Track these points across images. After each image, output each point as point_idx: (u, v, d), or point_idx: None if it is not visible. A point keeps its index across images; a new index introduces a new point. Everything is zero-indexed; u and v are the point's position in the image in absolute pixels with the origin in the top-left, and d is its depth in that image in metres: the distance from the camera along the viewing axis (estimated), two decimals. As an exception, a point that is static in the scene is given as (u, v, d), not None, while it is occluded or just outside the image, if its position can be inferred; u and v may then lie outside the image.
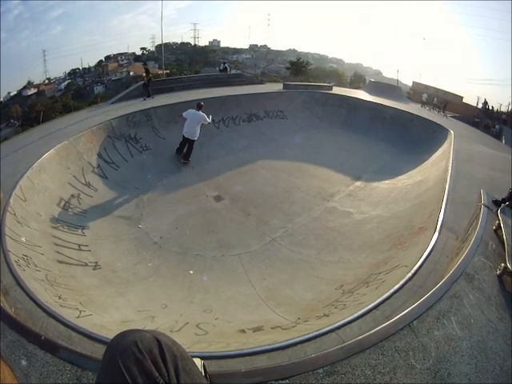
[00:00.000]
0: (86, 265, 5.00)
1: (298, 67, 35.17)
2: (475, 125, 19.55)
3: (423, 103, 20.10)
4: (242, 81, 17.99)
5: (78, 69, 61.30)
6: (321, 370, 2.08)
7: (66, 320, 3.06)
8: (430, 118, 12.90)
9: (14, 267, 3.73)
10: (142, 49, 71.73)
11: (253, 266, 5.49)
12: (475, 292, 2.93)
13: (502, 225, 3.83)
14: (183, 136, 8.96)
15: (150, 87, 12.46)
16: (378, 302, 3.23)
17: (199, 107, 9.02)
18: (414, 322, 2.50)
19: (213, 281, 5.09)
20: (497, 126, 20.78)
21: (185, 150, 9.14)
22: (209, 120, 9.07)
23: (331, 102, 14.92)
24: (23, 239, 4.54)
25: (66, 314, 3.21)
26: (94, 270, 4.96)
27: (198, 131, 8.96)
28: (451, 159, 7.54)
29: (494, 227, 4.00)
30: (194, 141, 9.00)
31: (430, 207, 5.68)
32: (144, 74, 12.89)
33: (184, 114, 8.97)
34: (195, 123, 8.87)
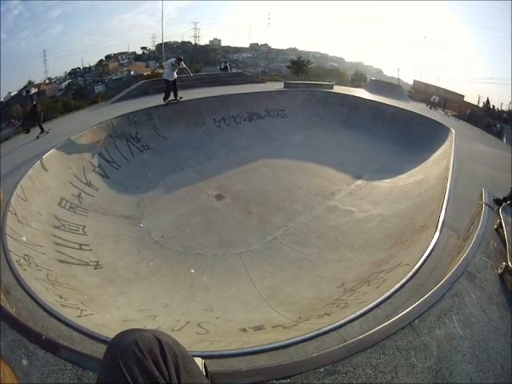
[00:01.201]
0: (88, 264, 5.00)
1: (298, 66, 35.13)
2: (471, 119, 19.49)
3: (432, 104, 20.04)
4: (243, 80, 17.96)
5: (79, 68, 61.21)
6: (322, 369, 2.08)
7: (67, 319, 3.07)
8: (432, 117, 12.86)
9: (15, 267, 3.74)
10: (142, 48, 71.51)
11: (254, 264, 5.48)
12: (476, 291, 2.92)
13: (503, 223, 3.83)
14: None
15: (39, 122, 9.67)
16: (379, 300, 3.22)
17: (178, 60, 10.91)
18: (416, 321, 2.49)
19: (214, 280, 5.09)
20: (498, 125, 20.67)
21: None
22: (164, 64, 11.39)
23: (332, 100, 14.87)
24: (24, 239, 4.55)
25: (67, 314, 3.21)
26: (95, 269, 4.96)
27: (169, 74, 10.57)
28: (452, 158, 7.51)
29: (496, 226, 3.99)
30: (165, 80, 10.68)
31: (432, 206, 5.67)
32: (29, 108, 10.69)
33: None
34: (166, 68, 10.92)
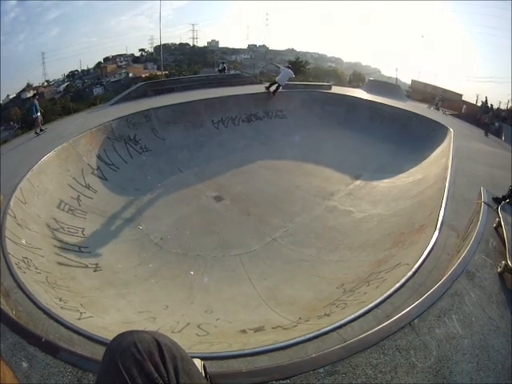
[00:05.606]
0: (87, 266, 5.00)
1: (296, 67, 35.21)
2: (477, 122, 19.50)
3: (437, 104, 20.10)
4: (241, 81, 17.94)
5: (77, 71, 61.32)
6: (322, 370, 2.08)
7: (66, 322, 3.06)
8: (430, 116, 12.87)
9: (14, 269, 3.74)
10: (140, 50, 71.68)
11: (253, 265, 5.48)
12: (476, 290, 2.92)
13: (502, 222, 3.83)
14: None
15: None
16: (379, 300, 3.22)
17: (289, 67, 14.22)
18: (415, 321, 2.49)
19: (213, 281, 5.09)
20: (496, 124, 20.66)
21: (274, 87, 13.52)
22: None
23: (330, 101, 14.87)
24: (23, 241, 4.54)
25: (67, 316, 3.21)
26: (94, 271, 4.96)
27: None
28: (451, 157, 7.51)
29: (495, 225, 3.99)
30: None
31: (431, 205, 5.67)
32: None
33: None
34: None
